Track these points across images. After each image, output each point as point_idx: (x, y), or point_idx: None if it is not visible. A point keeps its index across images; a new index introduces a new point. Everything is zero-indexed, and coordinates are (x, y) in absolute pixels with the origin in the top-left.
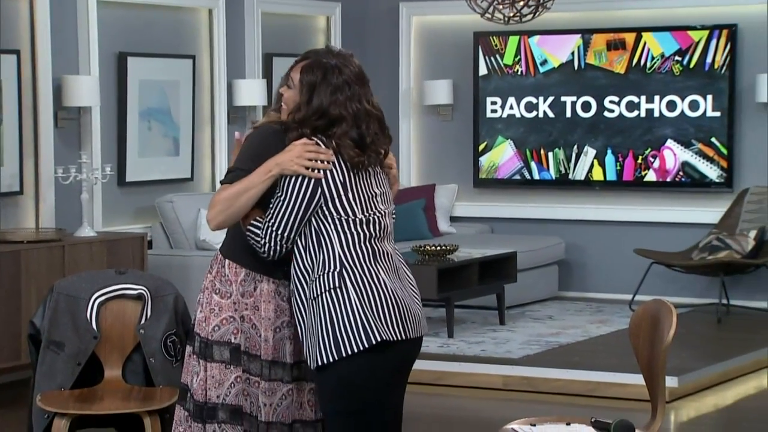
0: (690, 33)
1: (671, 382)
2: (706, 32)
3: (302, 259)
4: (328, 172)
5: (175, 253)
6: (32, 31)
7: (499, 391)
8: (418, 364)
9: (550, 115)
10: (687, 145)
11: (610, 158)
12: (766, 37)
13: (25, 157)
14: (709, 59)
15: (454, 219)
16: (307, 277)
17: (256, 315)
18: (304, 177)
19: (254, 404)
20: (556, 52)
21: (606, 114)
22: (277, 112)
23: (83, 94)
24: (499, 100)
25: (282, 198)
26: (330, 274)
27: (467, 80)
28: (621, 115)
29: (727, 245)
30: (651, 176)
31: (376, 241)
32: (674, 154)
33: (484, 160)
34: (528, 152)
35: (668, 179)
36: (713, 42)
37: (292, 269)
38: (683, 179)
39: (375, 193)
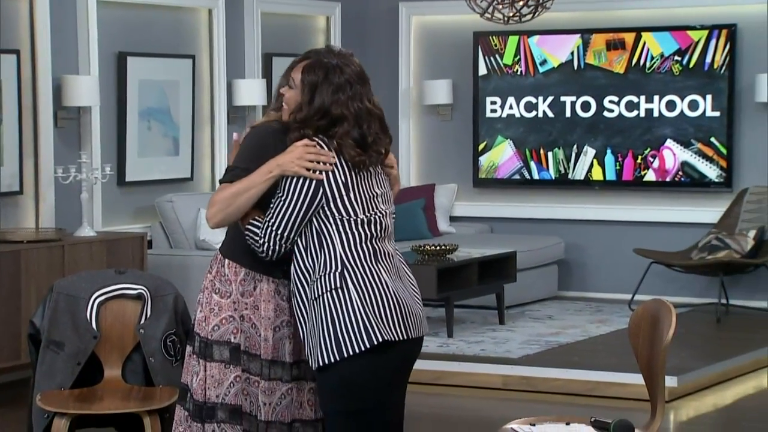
0: (689, 33)
1: (671, 381)
2: (705, 32)
3: (303, 260)
4: (329, 173)
5: (174, 253)
6: (32, 31)
7: (498, 390)
8: (418, 364)
9: (550, 114)
10: (686, 144)
11: (609, 158)
12: (765, 36)
13: (25, 157)
14: (708, 59)
15: (453, 219)
16: (308, 278)
17: (256, 314)
18: (305, 177)
19: (254, 403)
20: (555, 52)
21: (605, 114)
22: (276, 112)
23: (83, 93)
24: (498, 100)
25: (283, 198)
26: (331, 274)
27: (467, 80)
28: (620, 114)
29: (727, 245)
30: (650, 176)
31: (378, 241)
32: (674, 154)
33: (484, 160)
34: (527, 152)
35: (668, 179)
36: (713, 42)
37: (293, 270)
38: (683, 179)
39: (376, 193)
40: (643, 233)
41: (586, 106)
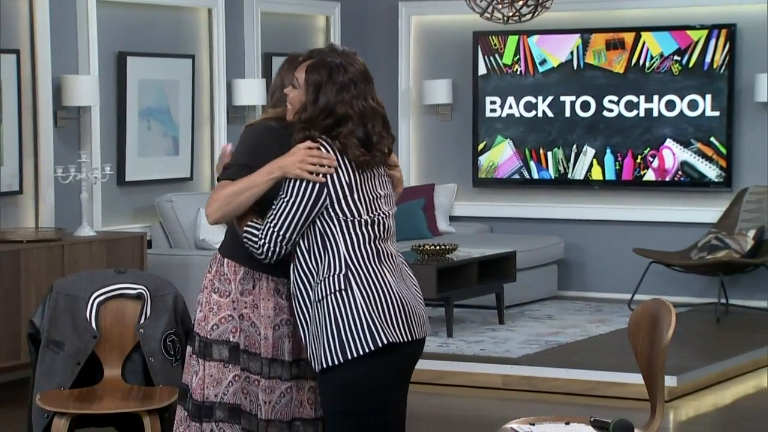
0: (689, 33)
1: (670, 381)
2: (705, 32)
3: (305, 262)
4: (334, 173)
5: (174, 253)
6: (32, 31)
7: (498, 390)
8: (418, 364)
9: (550, 114)
10: (686, 144)
11: (609, 158)
12: (765, 36)
13: (25, 157)
14: (708, 59)
15: (453, 218)
16: (311, 280)
17: (256, 313)
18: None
19: (254, 402)
20: (555, 51)
21: (605, 113)
22: (274, 108)
23: (83, 93)
24: (498, 100)
25: (286, 199)
26: (335, 276)
27: (466, 80)
28: (620, 114)
29: (726, 245)
30: (650, 176)
31: (380, 242)
32: (673, 154)
33: (484, 160)
34: (527, 152)
35: (667, 179)
36: (712, 41)
37: (294, 271)
38: (682, 179)
39: (379, 194)
40: (642, 233)
41: (585, 106)
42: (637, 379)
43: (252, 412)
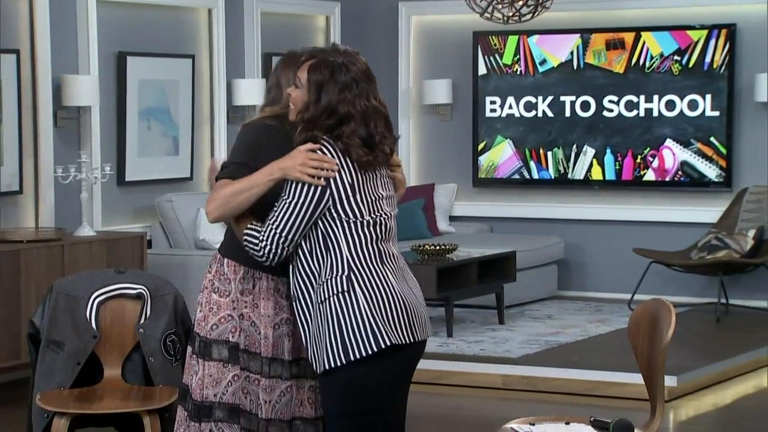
0: (689, 33)
1: (670, 381)
2: (705, 32)
3: (307, 263)
4: (336, 173)
5: (174, 253)
6: (32, 31)
7: (498, 390)
8: (418, 364)
9: (549, 114)
10: (686, 144)
11: (609, 158)
12: (765, 36)
13: (25, 157)
14: (708, 59)
15: (453, 218)
16: (313, 281)
17: (255, 312)
18: None
19: (254, 402)
20: (555, 51)
21: (605, 113)
22: (271, 106)
23: (83, 93)
24: (498, 100)
25: (288, 200)
26: (338, 278)
27: (466, 80)
28: (620, 114)
29: (726, 245)
30: (650, 176)
31: (382, 243)
32: (673, 154)
33: (484, 160)
34: (527, 152)
35: (667, 179)
36: (712, 41)
37: (295, 273)
38: (682, 179)
39: (381, 195)
40: (642, 233)
41: (585, 106)
42: (637, 379)
43: (252, 412)
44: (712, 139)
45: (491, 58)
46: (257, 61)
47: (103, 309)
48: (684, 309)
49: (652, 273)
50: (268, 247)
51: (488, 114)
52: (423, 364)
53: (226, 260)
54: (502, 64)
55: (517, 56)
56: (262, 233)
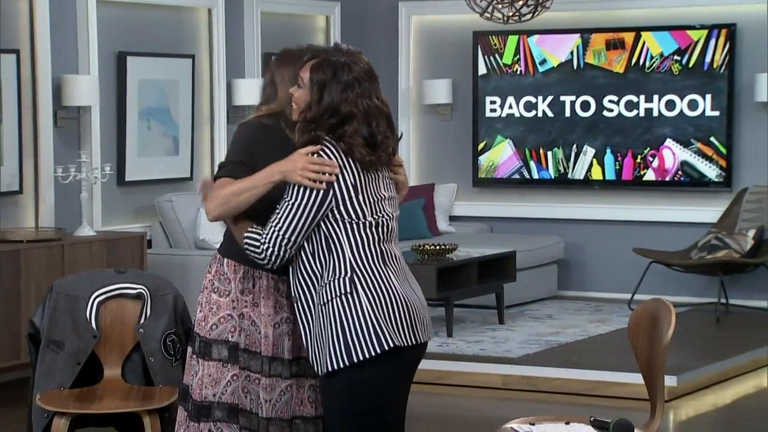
0: (689, 32)
1: (670, 381)
2: (705, 32)
3: (309, 265)
4: (339, 174)
5: (174, 253)
6: (32, 31)
7: (498, 390)
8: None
9: (549, 114)
10: (686, 144)
11: (609, 157)
12: (765, 36)
13: (25, 157)
14: (708, 59)
15: (453, 218)
16: (315, 283)
17: (256, 311)
18: None
19: (254, 401)
20: (555, 51)
21: (605, 113)
22: (266, 105)
23: (83, 93)
24: (498, 100)
25: (291, 201)
26: (341, 279)
27: (466, 80)
28: (620, 114)
29: (726, 244)
30: (650, 175)
31: (385, 243)
32: (673, 154)
33: (484, 160)
34: (527, 151)
35: (667, 178)
36: (712, 41)
37: (297, 274)
38: (682, 178)
39: (383, 195)
40: (642, 233)
41: (585, 106)
42: (637, 378)
43: (253, 411)
44: (712, 139)
45: (491, 58)
46: (257, 61)
47: (103, 309)
48: (684, 309)
49: (652, 273)
50: (270, 249)
51: (488, 114)
52: (423, 364)
53: (225, 260)
54: (502, 64)
55: (517, 56)
56: (264, 236)
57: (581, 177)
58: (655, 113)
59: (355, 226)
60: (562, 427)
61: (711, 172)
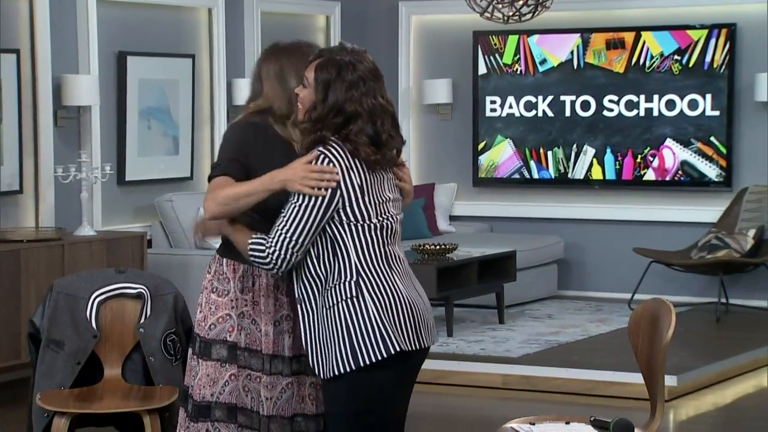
0: (689, 32)
1: (670, 380)
2: (705, 31)
3: (314, 268)
4: (346, 174)
5: (174, 252)
6: (32, 31)
7: (498, 390)
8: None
9: (550, 114)
10: (686, 144)
11: (609, 157)
12: (765, 36)
13: (25, 156)
14: (708, 58)
15: (453, 218)
16: (319, 286)
17: (256, 310)
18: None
19: (255, 399)
20: (555, 51)
21: (605, 113)
22: (254, 101)
23: (83, 93)
24: (498, 99)
25: (298, 203)
26: (347, 283)
27: (466, 79)
28: (620, 114)
29: (726, 244)
30: (650, 175)
31: (389, 246)
32: (673, 153)
33: (484, 159)
34: (527, 151)
35: (667, 178)
36: (712, 41)
37: (300, 277)
38: (682, 178)
39: (388, 197)
40: (642, 232)
41: (585, 106)
42: (637, 378)
43: (254, 410)
44: (712, 138)
45: (491, 57)
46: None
47: (103, 309)
48: (684, 309)
49: (652, 273)
50: (277, 252)
51: (488, 114)
52: (423, 364)
53: (225, 260)
54: (502, 64)
55: (518, 56)
56: (270, 240)
57: (581, 177)
58: (655, 113)
59: (360, 228)
60: (562, 426)
61: (711, 171)
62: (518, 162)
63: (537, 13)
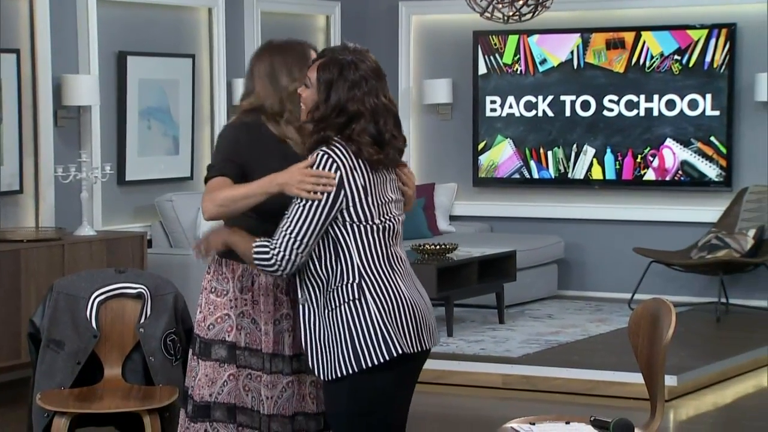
0: (689, 32)
1: (670, 380)
2: (705, 31)
3: (316, 270)
4: (349, 175)
5: (174, 252)
6: (32, 31)
7: (498, 389)
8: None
9: (550, 114)
10: (686, 144)
11: (609, 157)
12: (765, 36)
13: (25, 156)
14: (708, 58)
15: (453, 218)
16: (321, 288)
17: (256, 309)
18: None
19: (255, 399)
20: (555, 51)
21: (605, 113)
22: (247, 99)
23: (83, 93)
24: (498, 99)
25: (302, 204)
26: (349, 285)
27: (467, 79)
28: (620, 114)
29: (726, 244)
30: (650, 175)
31: (391, 247)
32: (673, 153)
33: (484, 159)
34: (527, 151)
35: (667, 178)
36: (712, 41)
37: (303, 279)
38: (682, 178)
39: (390, 198)
40: (642, 232)
41: (585, 106)
42: (637, 378)
43: (254, 409)
44: (712, 138)
45: (491, 57)
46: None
47: (103, 308)
48: (684, 308)
49: (652, 272)
50: (282, 253)
51: (488, 113)
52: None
53: (224, 260)
54: (502, 64)
55: (518, 56)
56: (274, 242)
57: (581, 177)
58: (656, 113)
59: (362, 229)
60: (562, 426)
61: (711, 171)
62: (518, 162)
63: (537, 13)
